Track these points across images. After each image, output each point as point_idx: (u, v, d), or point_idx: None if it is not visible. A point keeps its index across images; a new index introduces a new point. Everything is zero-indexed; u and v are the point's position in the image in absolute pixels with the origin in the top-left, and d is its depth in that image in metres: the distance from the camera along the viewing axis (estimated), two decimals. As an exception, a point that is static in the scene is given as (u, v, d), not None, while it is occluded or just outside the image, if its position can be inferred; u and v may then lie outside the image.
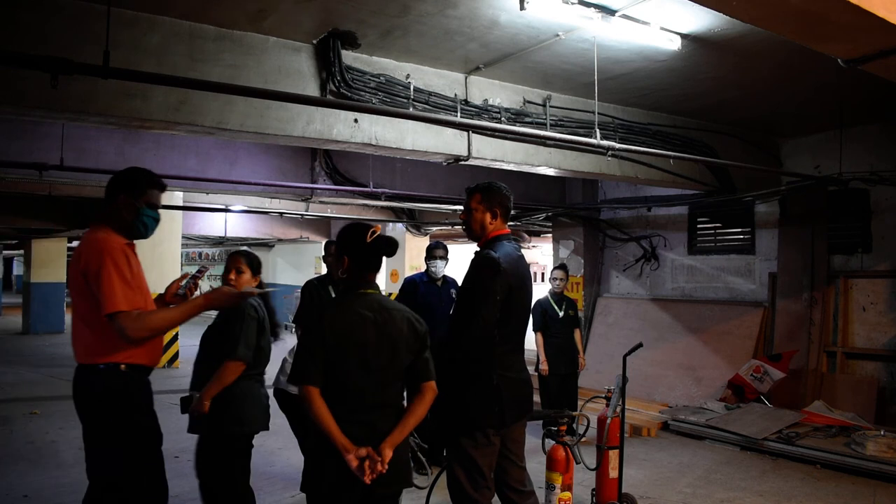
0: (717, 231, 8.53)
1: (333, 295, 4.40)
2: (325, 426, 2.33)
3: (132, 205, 2.76)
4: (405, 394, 2.59)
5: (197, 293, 2.95)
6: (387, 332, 2.45)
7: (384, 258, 2.63)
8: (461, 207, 3.41)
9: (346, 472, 2.32)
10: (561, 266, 6.64)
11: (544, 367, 6.18)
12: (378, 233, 2.56)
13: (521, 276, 3.00)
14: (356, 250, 2.53)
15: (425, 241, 11.33)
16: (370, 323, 2.44)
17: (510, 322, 2.95)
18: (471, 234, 3.13)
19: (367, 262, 2.54)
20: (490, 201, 3.07)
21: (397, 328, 2.47)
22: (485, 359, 2.89)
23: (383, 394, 2.45)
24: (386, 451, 2.35)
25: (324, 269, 17.70)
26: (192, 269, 3.14)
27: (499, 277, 2.85)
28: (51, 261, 15.81)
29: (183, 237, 12.17)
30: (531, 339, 6.64)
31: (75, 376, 2.72)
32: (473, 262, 2.93)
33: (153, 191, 2.83)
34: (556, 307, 6.35)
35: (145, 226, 2.81)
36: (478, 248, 3.07)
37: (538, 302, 6.37)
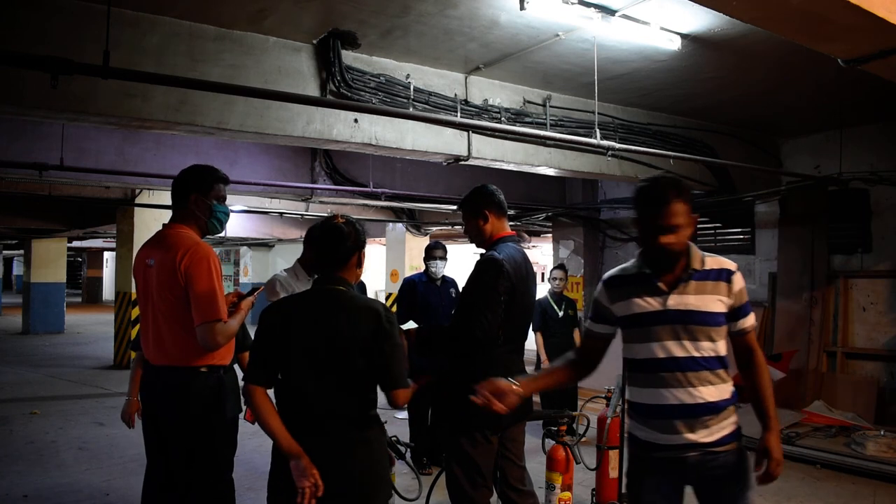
0: (717, 231, 8.53)
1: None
2: (270, 428, 2.15)
3: (205, 203, 2.80)
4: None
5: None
6: (342, 335, 2.20)
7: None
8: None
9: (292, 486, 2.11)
10: (560, 266, 6.65)
11: (545, 367, 6.18)
12: (335, 223, 2.34)
13: (524, 277, 3.00)
14: (315, 240, 2.38)
15: (425, 241, 11.30)
16: (323, 324, 2.21)
17: (512, 323, 2.95)
18: (477, 244, 3.16)
19: (323, 254, 2.34)
20: (475, 209, 3.09)
21: (354, 330, 2.20)
22: (486, 360, 2.88)
23: (340, 401, 2.21)
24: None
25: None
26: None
27: (502, 279, 2.84)
28: (51, 261, 15.79)
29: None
30: (531, 340, 6.66)
31: (166, 378, 2.70)
32: (477, 264, 2.95)
33: (219, 185, 2.87)
34: (555, 307, 6.35)
35: (220, 221, 2.87)
36: (482, 251, 3.08)
37: (538, 302, 6.36)
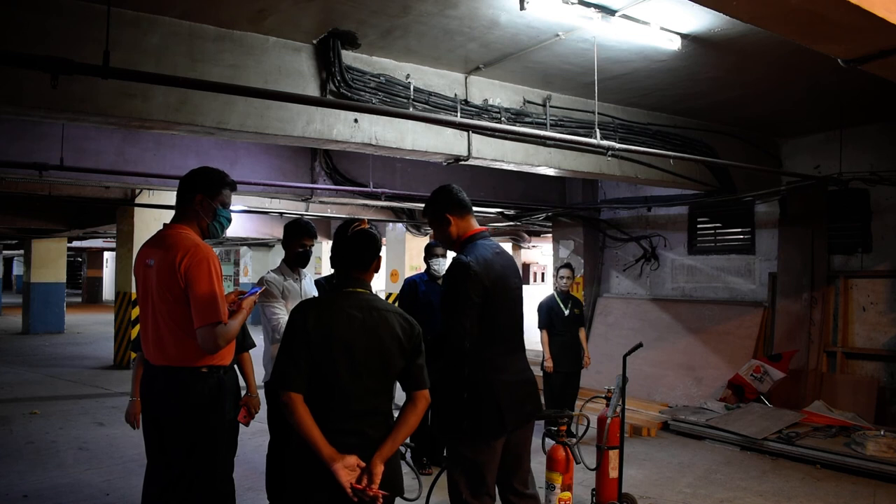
0: (717, 231, 8.53)
1: None
2: (309, 436, 2.16)
3: (210, 205, 2.79)
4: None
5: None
6: (376, 335, 2.28)
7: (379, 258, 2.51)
8: None
9: (335, 490, 2.15)
10: (567, 265, 6.67)
11: (549, 364, 6.21)
12: (363, 227, 2.40)
13: (499, 274, 2.91)
14: (338, 245, 2.41)
15: (425, 241, 11.31)
16: (358, 324, 2.27)
17: (496, 323, 2.87)
18: (449, 248, 3.13)
19: (350, 257, 2.39)
20: (435, 213, 3.03)
21: (388, 330, 2.30)
22: (475, 366, 2.82)
23: (373, 400, 2.29)
24: (378, 465, 2.20)
25: (323, 269, 17.41)
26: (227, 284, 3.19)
27: (469, 282, 2.78)
28: (51, 261, 15.80)
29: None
30: (536, 340, 6.67)
31: (166, 378, 2.70)
32: (447, 271, 2.90)
33: (226, 190, 2.87)
34: (562, 305, 6.39)
35: (221, 226, 2.86)
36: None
37: (545, 300, 6.43)
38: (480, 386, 2.83)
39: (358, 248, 2.39)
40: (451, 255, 5.61)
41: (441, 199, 3.02)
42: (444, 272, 5.32)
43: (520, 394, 2.93)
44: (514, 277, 3.04)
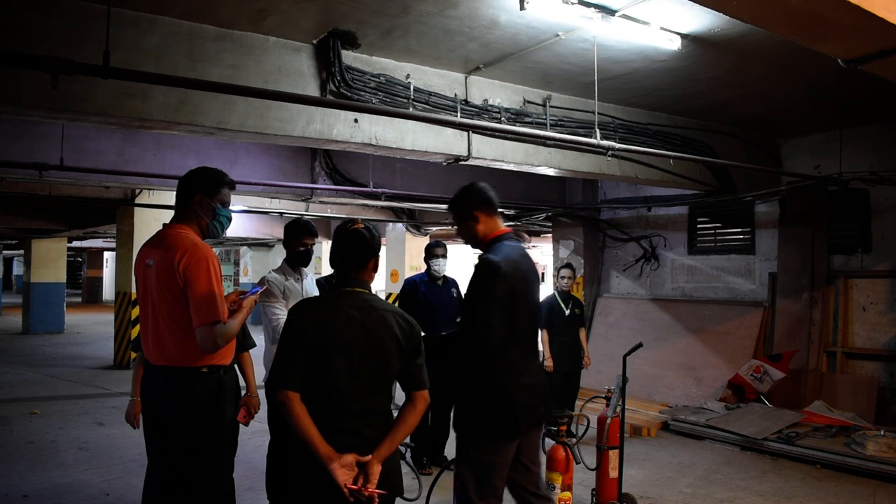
0: (717, 231, 8.53)
1: None
2: (307, 435, 2.17)
3: (209, 204, 2.79)
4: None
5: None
6: (375, 335, 2.27)
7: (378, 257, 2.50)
8: None
9: (335, 493, 2.16)
10: (568, 265, 6.69)
11: (549, 363, 6.21)
12: (356, 227, 2.41)
13: (525, 276, 2.91)
14: (335, 245, 2.43)
15: (425, 241, 11.31)
16: (356, 323, 2.27)
17: (519, 325, 2.87)
18: (472, 246, 3.10)
19: (346, 257, 2.40)
20: (463, 210, 3.00)
21: (386, 330, 2.29)
22: (494, 367, 2.82)
23: (371, 400, 2.28)
24: (374, 465, 2.19)
25: (324, 269, 17.35)
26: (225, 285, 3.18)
27: (499, 282, 2.77)
28: (51, 261, 15.80)
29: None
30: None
31: (166, 378, 2.69)
32: (475, 270, 2.87)
33: (225, 189, 2.87)
34: (563, 305, 6.40)
35: (221, 225, 2.86)
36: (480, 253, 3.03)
37: (545, 300, 6.46)
38: (498, 388, 2.82)
39: (353, 248, 2.39)
40: (451, 255, 5.64)
41: (470, 197, 2.99)
42: (443, 272, 5.38)
43: (535, 396, 2.93)
44: (535, 281, 3.04)
